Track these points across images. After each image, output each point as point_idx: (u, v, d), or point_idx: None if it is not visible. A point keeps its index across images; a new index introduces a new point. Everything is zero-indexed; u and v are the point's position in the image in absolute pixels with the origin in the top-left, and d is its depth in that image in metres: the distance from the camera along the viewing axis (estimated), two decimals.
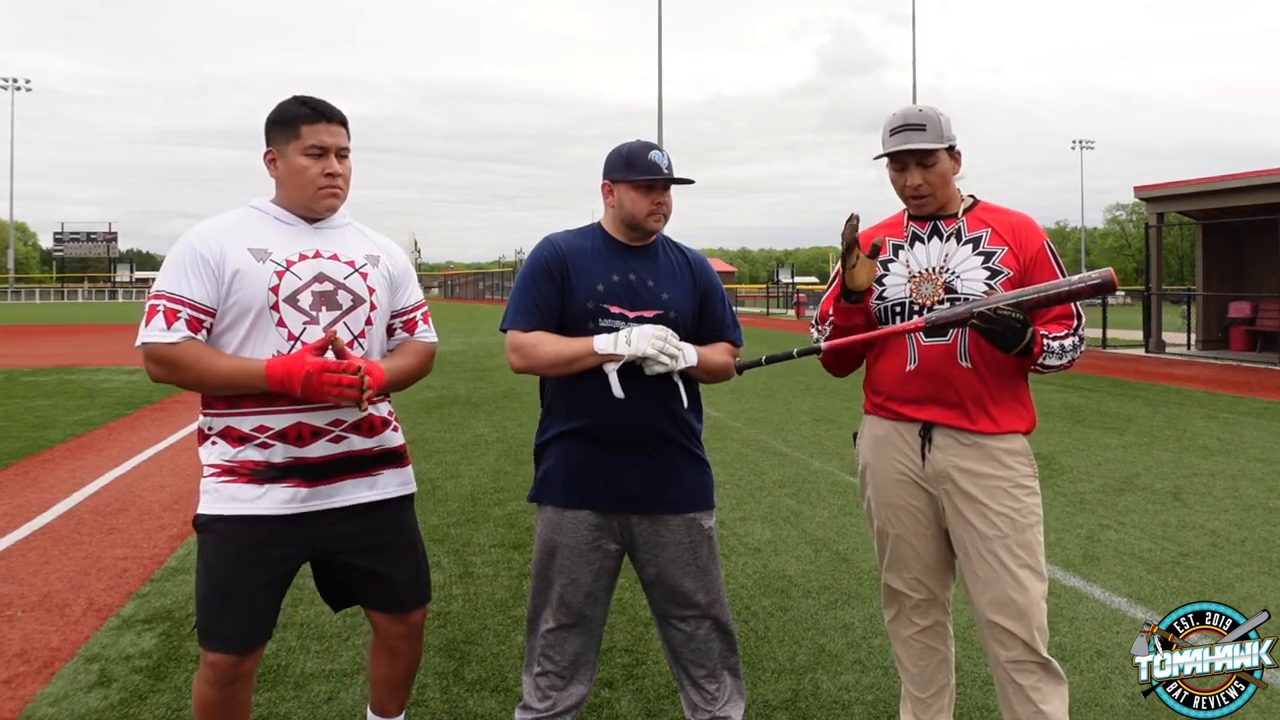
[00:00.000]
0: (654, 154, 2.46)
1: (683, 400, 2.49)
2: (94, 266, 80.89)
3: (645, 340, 2.34)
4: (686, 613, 2.55)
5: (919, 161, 2.42)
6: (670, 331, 2.39)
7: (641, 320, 2.43)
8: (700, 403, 2.60)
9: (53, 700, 3.11)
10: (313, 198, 2.31)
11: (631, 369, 2.38)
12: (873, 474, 2.59)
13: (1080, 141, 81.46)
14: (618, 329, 2.40)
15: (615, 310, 2.44)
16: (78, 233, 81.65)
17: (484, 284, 75.80)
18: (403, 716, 2.65)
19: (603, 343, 2.36)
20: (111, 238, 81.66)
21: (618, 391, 2.37)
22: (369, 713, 2.64)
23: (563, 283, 2.46)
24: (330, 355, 2.19)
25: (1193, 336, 18.39)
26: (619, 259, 2.50)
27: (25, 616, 3.89)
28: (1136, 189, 19.24)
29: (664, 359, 2.34)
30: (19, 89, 72.54)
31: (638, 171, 2.44)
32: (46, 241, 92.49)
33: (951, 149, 2.45)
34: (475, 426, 8.77)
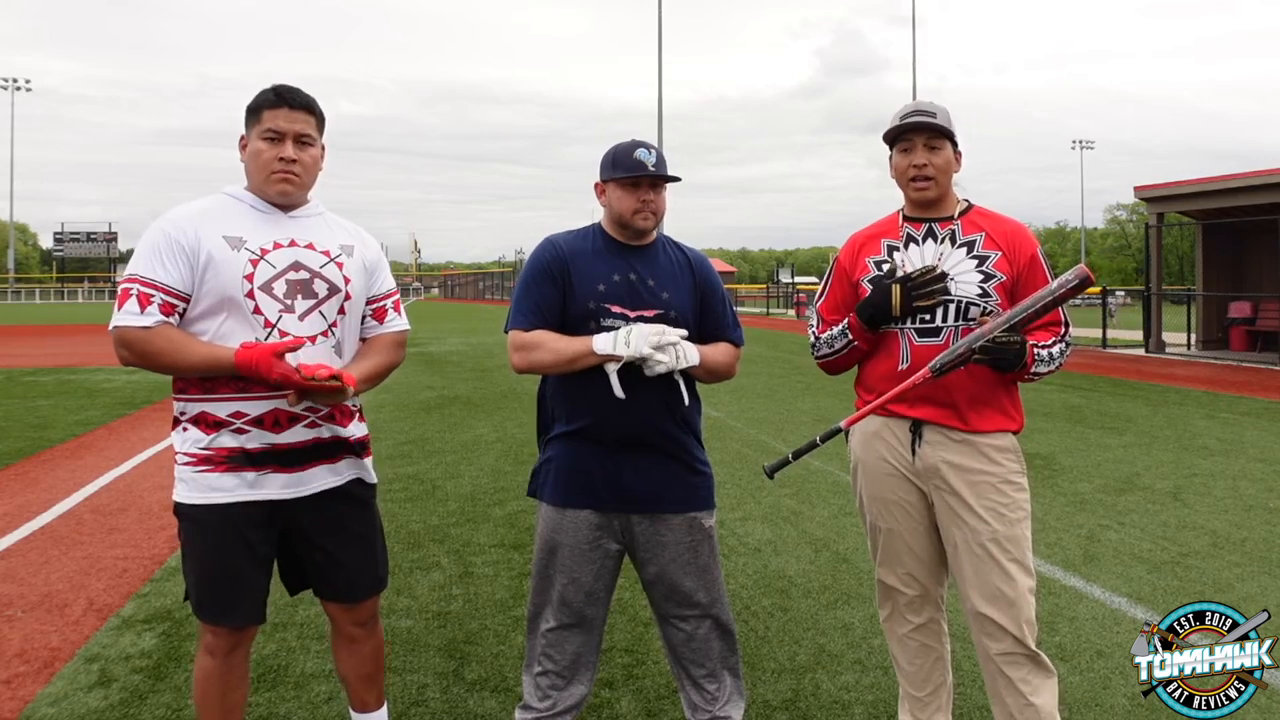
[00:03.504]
0: (639, 151, 2.46)
1: (684, 399, 2.49)
2: (94, 266, 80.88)
3: (644, 340, 2.34)
4: (687, 612, 2.55)
5: (926, 142, 2.46)
6: (670, 331, 2.39)
7: (642, 319, 2.44)
8: (699, 402, 2.60)
9: (53, 700, 3.11)
10: (265, 181, 2.30)
11: (632, 368, 2.39)
12: (864, 469, 2.61)
13: (1080, 141, 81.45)
14: (618, 328, 2.40)
15: (616, 310, 2.44)
16: (78, 233, 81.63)
17: (484, 284, 75.79)
18: (385, 709, 2.65)
19: (602, 343, 2.37)
20: (111, 238, 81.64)
21: (618, 392, 2.38)
22: (351, 713, 2.64)
23: (564, 283, 2.46)
24: (299, 357, 2.20)
25: (1193, 336, 18.39)
26: (619, 259, 2.50)
27: (25, 616, 3.89)
28: (1136, 189, 19.24)
29: (662, 359, 2.34)
30: (19, 89, 72.58)
31: (622, 169, 2.46)
32: (46, 241, 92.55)
33: (955, 145, 2.49)
34: (475, 426, 8.77)
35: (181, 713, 3.01)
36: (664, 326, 2.40)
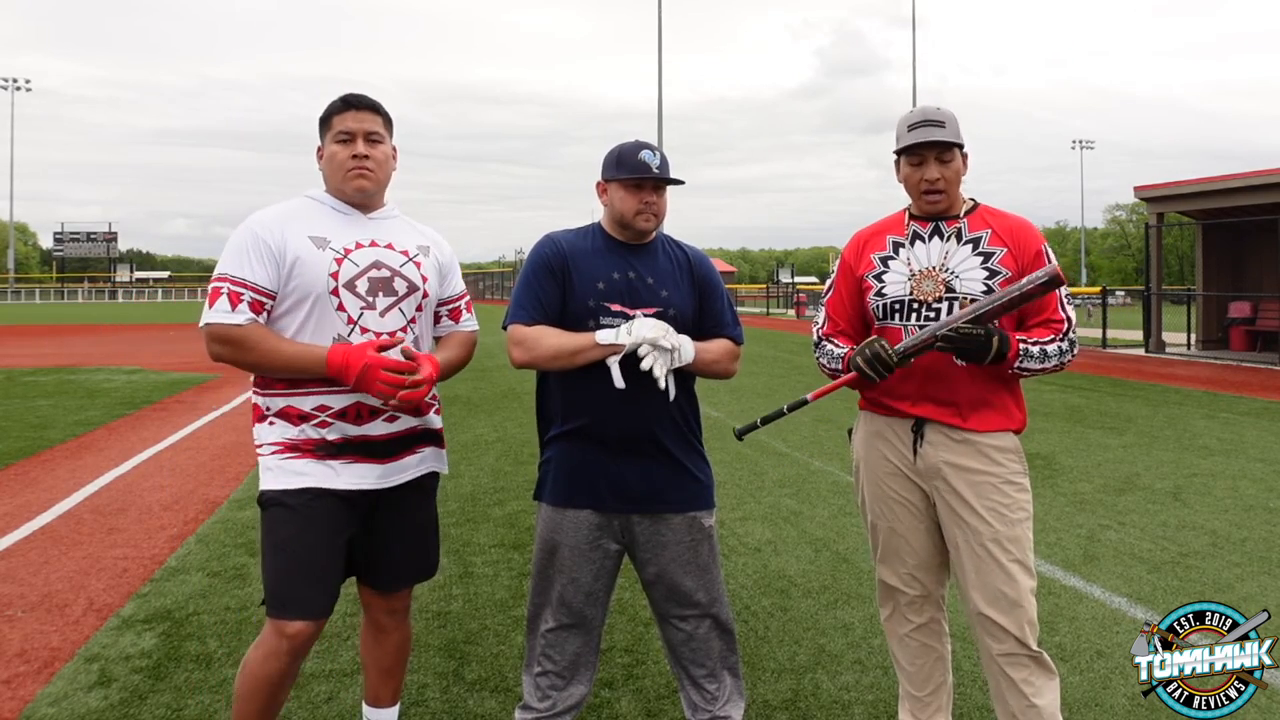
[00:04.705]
0: (644, 153, 2.46)
1: (671, 393, 2.48)
2: (94, 266, 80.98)
3: (646, 328, 2.35)
4: (686, 612, 2.55)
5: (938, 156, 2.46)
6: (673, 331, 2.40)
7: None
8: (697, 402, 2.60)
9: (53, 700, 3.11)
10: (343, 180, 2.40)
11: (632, 365, 2.38)
12: (865, 468, 2.61)
13: (1080, 141, 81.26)
14: (619, 326, 2.40)
15: (616, 308, 2.44)
16: (78, 233, 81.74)
17: (484, 284, 75.84)
18: (397, 709, 2.67)
19: (604, 335, 2.38)
20: (111, 238, 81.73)
21: (619, 382, 2.37)
22: (364, 707, 2.67)
23: (564, 280, 2.46)
24: (396, 356, 2.27)
25: (1193, 336, 18.39)
26: (619, 258, 2.51)
27: (25, 616, 3.89)
28: (1136, 189, 19.24)
29: (664, 343, 2.35)
30: (19, 89, 72.62)
31: (626, 170, 2.46)
32: (46, 241, 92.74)
33: (963, 150, 2.49)
34: (475, 426, 8.77)
35: (182, 713, 3.01)
36: (667, 325, 2.40)
